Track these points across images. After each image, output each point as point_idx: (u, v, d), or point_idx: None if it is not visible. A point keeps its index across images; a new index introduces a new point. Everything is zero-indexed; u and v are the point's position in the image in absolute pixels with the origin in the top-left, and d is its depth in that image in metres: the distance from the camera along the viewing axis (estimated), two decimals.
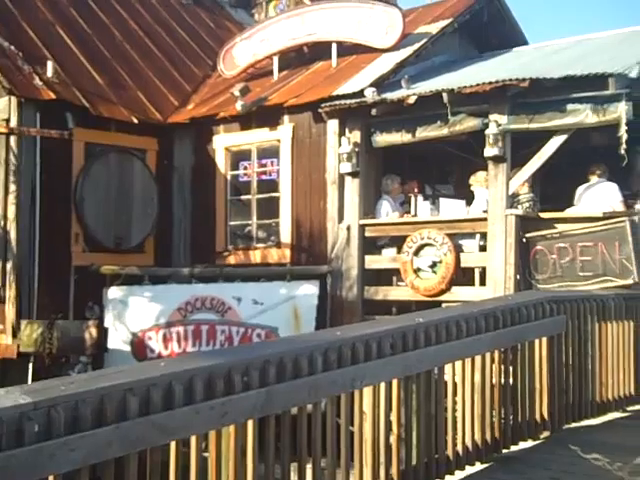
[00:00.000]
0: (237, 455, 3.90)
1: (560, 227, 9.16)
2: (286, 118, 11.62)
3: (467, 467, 5.64)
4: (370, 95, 10.33)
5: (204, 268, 11.54)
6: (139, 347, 10.86)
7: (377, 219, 10.57)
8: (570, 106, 9.02)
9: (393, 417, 5.02)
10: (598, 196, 9.58)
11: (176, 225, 12.67)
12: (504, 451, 6.06)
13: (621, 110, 8.63)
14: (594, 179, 9.79)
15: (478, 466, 5.74)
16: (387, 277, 10.42)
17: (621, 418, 7.53)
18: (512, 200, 9.64)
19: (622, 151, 8.46)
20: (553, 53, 11.09)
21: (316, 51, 12.48)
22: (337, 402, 4.62)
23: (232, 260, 11.95)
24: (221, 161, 12.27)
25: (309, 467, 4.39)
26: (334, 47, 12.08)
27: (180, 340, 10.71)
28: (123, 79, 13.11)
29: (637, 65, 8.54)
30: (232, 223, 12.20)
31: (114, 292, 11.16)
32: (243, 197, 12.15)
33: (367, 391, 4.83)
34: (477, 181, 10.14)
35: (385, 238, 10.61)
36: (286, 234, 11.45)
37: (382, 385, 4.92)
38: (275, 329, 10.23)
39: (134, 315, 10.99)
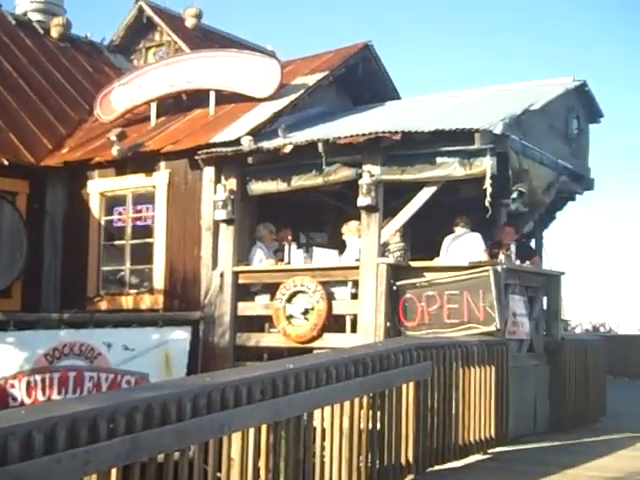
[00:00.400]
0: None
1: (429, 276, 9.42)
2: (162, 164, 11.59)
3: None
4: (247, 144, 10.45)
5: (74, 313, 11.28)
6: (0, 396, 10.43)
7: (251, 266, 10.63)
8: (439, 159, 9.35)
9: (262, 463, 5.04)
10: (464, 246, 9.95)
11: (46, 270, 12.34)
12: None
13: (486, 164, 9.02)
14: (459, 230, 10.17)
15: None
16: (260, 323, 10.46)
17: (482, 460, 7.79)
18: (383, 249, 9.89)
19: (487, 203, 8.83)
20: (424, 108, 11.51)
21: (194, 99, 12.55)
22: (205, 448, 4.62)
23: (104, 306, 11.73)
24: (95, 206, 12.09)
25: None
26: (212, 95, 12.17)
27: (45, 388, 10.37)
28: None
29: (501, 122, 8.95)
30: (105, 268, 12.01)
31: None
32: (117, 242, 11.99)
33: (236, 437, 4.85)
34: (349, 230, 10.36)
35: (258, 285, 10.66)
36: (159, 280, 11.35)
37: (251, 431, 4.95)
38: (146, 375, 10.07)
39: None
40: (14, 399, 10.36)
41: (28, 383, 10.40)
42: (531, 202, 10.18)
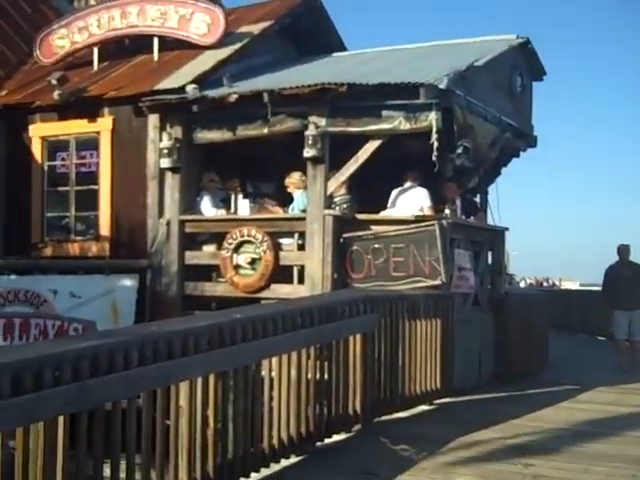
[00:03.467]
0: (46, 452, 3.79)
1: (375, 229, 9.46)
2: (106, 110, 11.34)
3: (282, 460, 5.76)
4: (191, 92, 10.28)
5: (18, 260, 11.07)
6: None
7: (198, 215, 10.53)
8: (385, 112, 9.34)
9: (210, 412, 5.04)
10: (410, 200, 9.98)
11: None
12: (318, 444, 6.23)
13: (431, 119, 9.03)
14: (407, 184, 10.20)
15: (293, 459, 5.88)
16: (207, 273, 10.40)
17: (428, 411, 7.93)
18: (330, 201, 9.88)
19: (434, 158, 8.86)
20: (370, 60, 11.45)
21: (138, 44, 12.25)
22: (154, 397, 4.59)
23: (49, 252, 11.54)
24: (37, 151, 11.80)
25: (123, 462, 4.33)
26: (156, 41, 11.90)
27: None
28: None
29: (446, 77, 8.94)
30: (49, 215, 11.77)
31: None
32: (60, 189, 11.75)
33: (184, 386, 4.82)
34: (292, 182, 10.31)
35: (205, 234, 10.58)
36: (105, 227, 11.18)
37: (199, 380, 4.93)
38: (93, 323, 9.98)
39: None
40: None
41: None
42: (476, 158, 10.25)
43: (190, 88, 10.33)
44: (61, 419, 3.87)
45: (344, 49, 13.31)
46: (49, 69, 12.42)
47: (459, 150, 9.46)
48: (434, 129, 8.95)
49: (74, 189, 11.57)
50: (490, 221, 11.72)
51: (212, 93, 10.27)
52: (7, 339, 10.19)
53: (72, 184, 11.57)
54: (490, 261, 10.96)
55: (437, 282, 8.86)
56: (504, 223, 11.53)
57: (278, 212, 10.46)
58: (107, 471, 4.22)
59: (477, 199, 12.19)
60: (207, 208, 10.52)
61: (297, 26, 12.64)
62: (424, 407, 7.95)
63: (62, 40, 12.59)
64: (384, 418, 7.21)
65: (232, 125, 10.19)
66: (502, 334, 10.52)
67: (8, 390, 3.56)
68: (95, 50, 12.31)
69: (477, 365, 9.97)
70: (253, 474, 5.40)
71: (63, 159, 11.70)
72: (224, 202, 10.78)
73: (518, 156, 12.20)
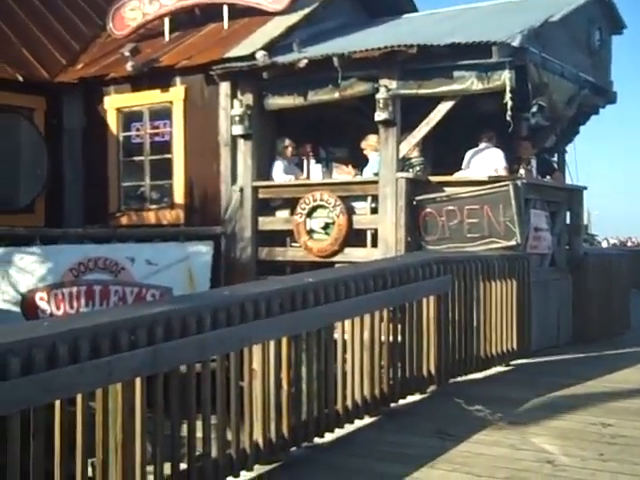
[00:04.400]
0: (125, 412, 3.90)
1: (449, 190, 9.37)
2: (178, 80, 11.46)
3: (356, 421, 5.80)
4: (261, 58, 10.29)
5: (97, 229, 11.35)
6: (29, 308, 10.60)
7: (270, 181, 10.59)
8: (457, 73, 9.19)
9: (283, 374, 5.10)
10: (485, 161, 9.85)
11: (67, 186, 12.36)
12: (392, 405, 6.25)
13: (505, 78, 8.86)
14: (482, 145, 10.05)
15: (367, 419, 5.92)
16: (281, 238, 10.48)
17: (504, 372, 7.87)
18: (402, 164, 9.81)
19: (508, 117, 8.70)
20: (441, 21, 11.26)
21: (208, 13, 12.29)
22: (227, 360, 4.67)
23: (125, 221, 11.80)
24: (112, 122, 12.01)
25: (199, 423, 4.43)
26: (225, 9, 11.93)
27: (72, 301, 10.50)
28: (7, 37, 12.62)
29: (519, 34, 8.74)
30: (125, 184, 12.01)
31: (3, 253, 10.83)
32: (136, 158, 11.96)
33: (257, 349, 4.89)
34: (368, 145, 10.28)
35: (278, 200, 10.64)
36: (179, 196, 11.36)
37: (272, 343, 4.98)
38: (170, 289, 10.17)
39: (24, 275, 10.72)
40: (43, 311, 10.53)
41: (56, 296, 10.55)
42: (552, 116, 10.01)
43: (260, 55, 10.34)
44: (138, 381, 3.97)
45: (415, 10, 13.12)
46: (122, 41, 12.58)
47: (534, 109, 9.27)
48: (508, 88, 8.79)
49: (148, 159, 11.76)
50: (568, 181, 11.48)
51: (282, 59, 10.27)
52: (88, 305, 10.48)
53: (147, 154, 11.76)
54: (568, 221, 10.74)
55: (512, 243, 8.74)
56: (583, 183, 11.28)
57: (351, 174, 10.45)
58: (184, 431, 4.33)
59: (554, 158, 11.95)
60: (280, 174, 10.57)
61: None
62: (500, 368, 7.89)
63: (134, 12, 12.72)
64: (459, 379, 7.19)
65: (303, 90, 10.18)
66: (581, 295, 10.33)
67: (87, 353, 3.67)
68: (166, 21, 12.41)
69: (555, 326, 9.83)
70: (327, 434, 5.46)
71: (137, 129, 11.89)
72: (297, 167, 10.82)
73: (597, 113, 11.89)
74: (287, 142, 10.71)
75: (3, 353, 3.31)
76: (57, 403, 3.59)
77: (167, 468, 4.24)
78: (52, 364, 3.50)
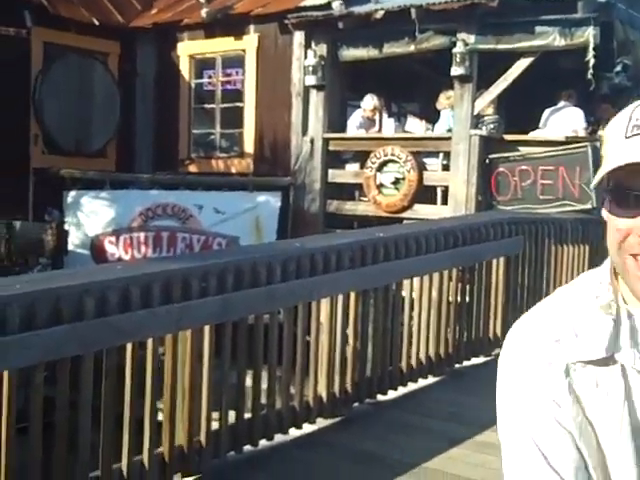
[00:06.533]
0: (193, 359, 3.92)
1: (523, 150, 9.16)
2: (252, 28, 11.37)
3: (420, 380, 5.76)
4: (337, 8, 10.14)
5: (166, 175, 11.42)
6: (99, 251, 10.77)
7: (342, 133, 10.49)
8: (538, 28, 8.93)
9: (350, 329, 5.07)
10: (563, 120, 9.56)
11: (139, 131, 12.44)
12: (457, 366, 6.19)
13: (589, 34, 8.57)
14: (561, 103, 9.76)
15: (430, 379, 5.88)
16: (350, 192, 10.40)
17: None
18: (477, 121, 9.61)
19: (589, 76, 8.43)
20: None
21: None
22: (295, 313, 4.65)
23: (194, 168, 11.85)
24: (185, 69, 12.01)
25: (264, 374, 4.44)
26: None
27: (140, 245, 10.64)
28: None
29: None
30: (195, 131, 12.04)
31: (74, 196, 11.00)
32: (207, 106, 11.96)
33: (324, 302, 4.86)
34: (441, 101, 10.05)
35: (349, 153, 10.55)
36: (249, 144, 11.34)
37: (340, 297, 4.95)
38: (236, 238, 10.20)
39: (94, 219, 10.88)
40: (112, 255, 10.68)
41: (125, 240, 10.69)
42: (636, 76, 9.66)
43: (336, 4, 10.18)
44: (207, 328, 3.98)
45: None
46: None
47: (618, 68, 8.97)
48: (591, 45, 8.50)
49: (219, 107, 11.74)
50: None
51: (358, 9, 10.09)
52: (156, 251, 10.59)
53: (218, 102, 11.75)
54: None
55: (588, 206, 8.52)
56: None
57: (423, 129, 10.27)
58: (249, 381, 4.34)
59: None
60: (354, 127, 10.45)
61: None
62: None
63: None
64: None
65: (378, 42, 10.00)
66: None
67: (158, 298, 3.68)
68: None
69: None
70: (390, 391, 5.44)
71: (210, 77, 11.87)
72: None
73: None
74: (374, 103, 10.42)
75: (79, 293, 3.34)
76: (129, 346, 3.62)
77: (232, 416, 4.27)
78: (125, 307, 3.52)
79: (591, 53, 8.50)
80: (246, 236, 10.03)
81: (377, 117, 10.57)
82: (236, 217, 10.33)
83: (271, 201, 10.39)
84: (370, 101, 10.40)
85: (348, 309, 5.02)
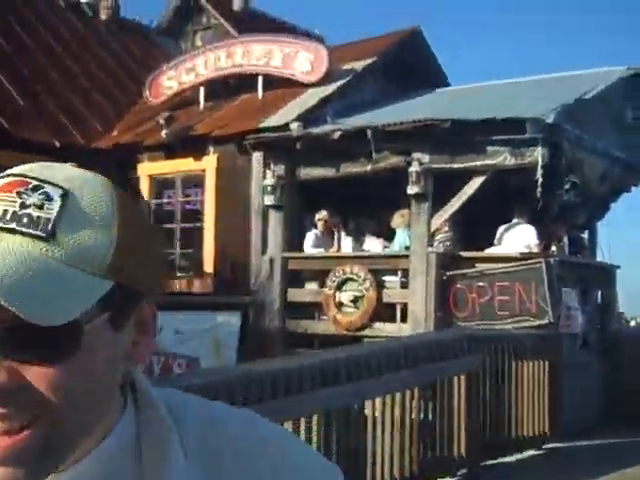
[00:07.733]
0: None
1: (480, 266, 9.28)
2: (211, 148, 11.58)
3: None
4: (296, 129, 10.38)
5: None
6: None
7: (300, 253, 10.56)
8: (490, 148, 9.20)
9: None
10: (517, 237, 9.75)
11: None
12: None
13: (537, 154, 8.84)
14: (514, 220, 9.98)
15: None
16: (310, 310, 10.39)
17: (536, 455, 7.65)
18: (431, 239, 9.75)
19: (538, 194, 8.65)
20: (474, 95, 11.33)
21: (242, 83, 12.48)
22: None
23: None
24: (145, 189, 12.10)
25: None
26: (260, 80, 12.10)
27: None
28: (45, 102, 12.86)
29: (553, 111, 8.75)
30: None
31: None
32: (166, 226, 12.02)
33: (287, 425, 4.78)
34: (396, 220, 10.21)
35: (308, 271, 10.60)
36: (209, 264, 11.37)
37: (302, 420, 4.88)
38: (196, 359, 10.09)
39: None
40: None
41: None
42: (584, 193, 9.95)
43: (295, 125, 10.43)
44: None
45: (447, 83, 13.25)
46: (157, 109, 12.78)
47: (567, 186, 9.21)
48: (540, 164, 8.76)
49: (179, 226, 11.82)
50: (600, 259, 11.35)
51: (316, 130, 10.35)
52: None
53: (178, 221, 11.83)
54: (600, 300, 10.57)
55: (544, 321, 8.60)
56: (618, 261, 11.15)
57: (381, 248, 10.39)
58: None
59: (585, 236, 11.85)
60: (309, 246, 10.55)
61: (400, 62, 12.61)
62: (532, 452, 7.67)
63: (170, 81, 12.97)
64: (489, 462, 6.99)
65: (335, 162, 10.23)
66: (613, 375, 10.10)
67: None
68: (201, 90, 12.62)
69: (587, 408, 9.59)
70: None
71: (169, 197, 11.98)
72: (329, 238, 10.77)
73: (629, 191, 11.83)
74: (324, 214, 10.64)
75: None
76: None
77: None
78: None
79: (539, 172, 8.74)
80: (206, 356, 9.93)
81: (336, 234, 10.69)
82: (196, 337, 10.24)
83: (231, 321, 10.34)
84: (321, 212, 10.57)
85: (311, 430, 4.94)
